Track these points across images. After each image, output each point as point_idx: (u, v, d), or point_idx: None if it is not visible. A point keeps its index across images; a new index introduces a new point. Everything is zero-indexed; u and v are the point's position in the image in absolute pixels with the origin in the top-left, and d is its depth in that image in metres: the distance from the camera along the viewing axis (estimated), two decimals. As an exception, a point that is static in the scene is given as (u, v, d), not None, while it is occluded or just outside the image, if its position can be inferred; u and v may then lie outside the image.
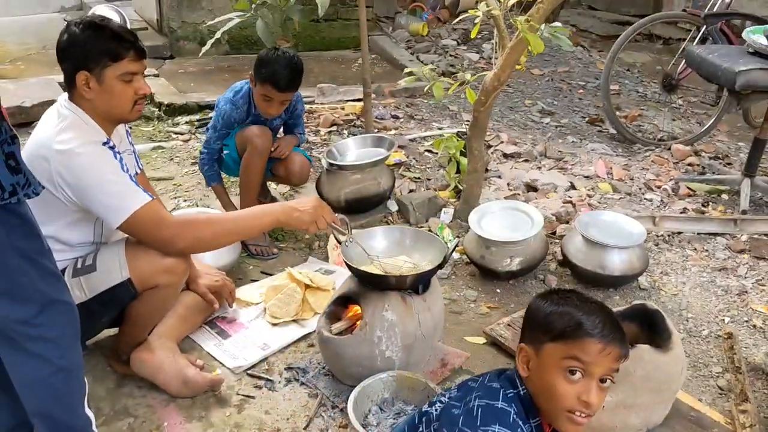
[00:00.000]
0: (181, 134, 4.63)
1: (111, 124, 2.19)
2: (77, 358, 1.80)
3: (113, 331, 2.47)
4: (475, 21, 2.99)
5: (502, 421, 1.45)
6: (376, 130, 4.48)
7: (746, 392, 2.41)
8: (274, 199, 3.63)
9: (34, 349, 1.66)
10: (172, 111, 4.91)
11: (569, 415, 1.47)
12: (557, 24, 2.94)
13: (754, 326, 2.87)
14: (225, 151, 3.29)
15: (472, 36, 3.19)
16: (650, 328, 2.29)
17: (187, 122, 4.82)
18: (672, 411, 2.26)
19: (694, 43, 4.60)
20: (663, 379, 2.15)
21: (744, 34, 3.82)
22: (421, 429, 1.64)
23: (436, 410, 1.63)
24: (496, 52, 3.14)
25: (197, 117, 4.86)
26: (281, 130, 3.45)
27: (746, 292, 3.09)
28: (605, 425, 2.14)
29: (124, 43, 2.05)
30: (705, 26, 4.59)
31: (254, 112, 3.19)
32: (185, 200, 3.69)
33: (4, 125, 1.53)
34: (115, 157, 2.13)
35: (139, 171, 2.49)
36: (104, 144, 2.12)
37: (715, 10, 4.86)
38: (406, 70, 3.17)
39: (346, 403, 2.19)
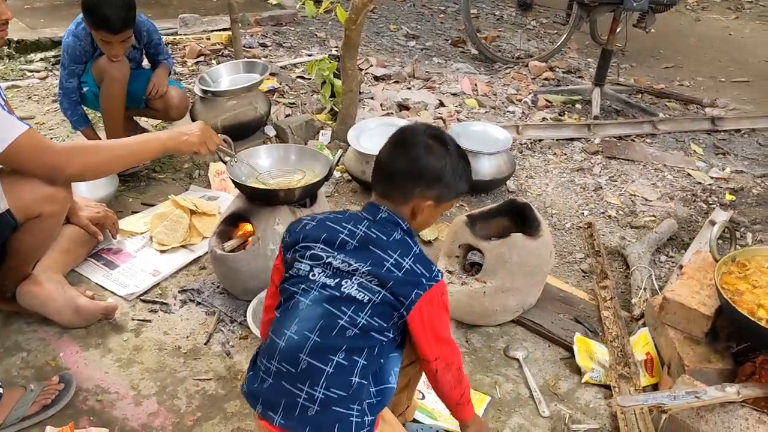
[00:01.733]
0: (37, 71, 4.34)
1: None
2: None
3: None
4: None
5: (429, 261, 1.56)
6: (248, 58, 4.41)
7: (606, 271, 2.70)
8: (145, 131, 3.53)
9: None
10: (24, 48, 4.57)
11: None
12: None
13: (609, 216, 3.19)
14: (84, 88, 3.13)
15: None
16: (521, 221, 2.51)
17: (42, 59, 4.52)
18: (543, 293, 2.51)
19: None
20: (535, 263, 2.37)
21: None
22: (344, 316, 1.47)
23: (352, 286, 1.48)
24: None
25: (53, 54, 4.56)
26: (145, 62, 3.32)
27: (601, 187, 3.42)
28: (487, 309, 2.35)
29: None
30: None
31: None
32: (51, 138, 3.51)
33: None
34: None
35: (3, 102, 2.36)
36: None
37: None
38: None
39: (246, 317, 2.27)
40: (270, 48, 4.95)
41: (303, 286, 1.52)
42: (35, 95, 4.04)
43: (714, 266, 2.14)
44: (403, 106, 4.08)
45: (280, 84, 4.23)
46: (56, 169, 2.03)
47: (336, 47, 4.86)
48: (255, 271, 2.37)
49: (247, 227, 2.51)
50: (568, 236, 3.04)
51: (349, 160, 3.24)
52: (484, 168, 3.17)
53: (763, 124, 4.24)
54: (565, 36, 5.14)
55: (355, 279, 1.48)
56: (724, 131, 4.13)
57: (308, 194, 2.48)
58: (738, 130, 4.16)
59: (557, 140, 3.82)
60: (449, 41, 5.42)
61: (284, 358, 1.47)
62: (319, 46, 5.07)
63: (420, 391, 2.04)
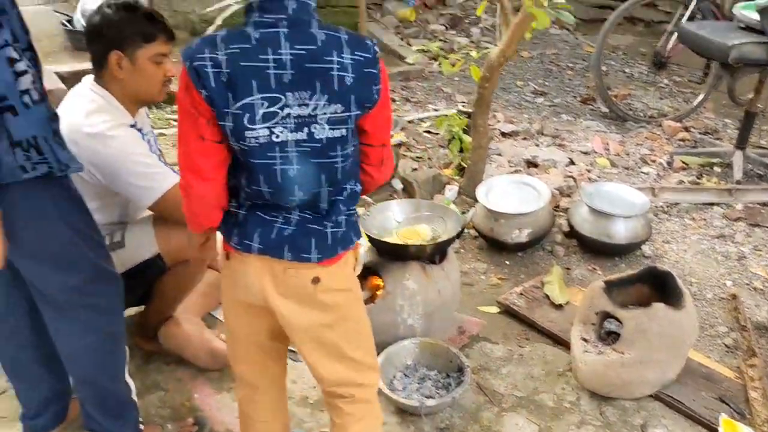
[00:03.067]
0: (181, 121, 4.62)
1: (136, 105, 2.21)
2: (121, 326, 1.86)
3: (135, 310, 2.50)
4: (479, -1, 3.05)
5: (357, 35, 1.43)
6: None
7: (753, 348, 2.51)
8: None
9: (83, 317, 1.70)
10: (171, 99, 4.89)
11: None
12: (560, 0, 3.00)
13: (755, 288, 2.98)
14: None
15: (478, 13, 3.24)
16: (661, 289, 2.39)
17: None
18: (684, 368, 2.35)
19: (683, 21, 4.69)
20: (677, 336, 2.24)
21: (734, 9, 3.92)
22: (338, 160, 1.43)
23: (324, 129, 1.39)
24: (498, 29, 3.20)
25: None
26: None
27: (745, 257, 3.20)
28: (624, 381, 2.23)
29: (157, 25, 2.08)
30: (695, 3, 4.68)
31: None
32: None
33: (46, 103, 1.56)
34: (143, 139, 2.16)
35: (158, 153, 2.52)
36: (132, 126, 2.15)
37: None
38: (414, 48, 3.21)
39: (373, 370, 2.26)
40: (398, 102, 5.05)
41: (276, 154, 1.38)
42: (180, 143, 4.29)
43: None
44: (531, 163, 4.03)
45: (408, 138, 4.30)
46: None
47: (463, 103, 4.89)
48: (382, 325, 2.37)
49: (377, 280, 2.52)
50: (710, 308, 2.85)
51: (477, 217, 3.21)
52: (620, 231, 3.05)
53: None
54: (702, 96, 4.93)
55: (320, 119, 1.37)
56: None
57: (439, 251, 2.47)
58: None
59: (695, 205, 3.63)
60: (578, 98, 5.34)
61: (304, 210, 1.48)
62: (445, 101, 5.13)
63: None
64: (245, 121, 1.34)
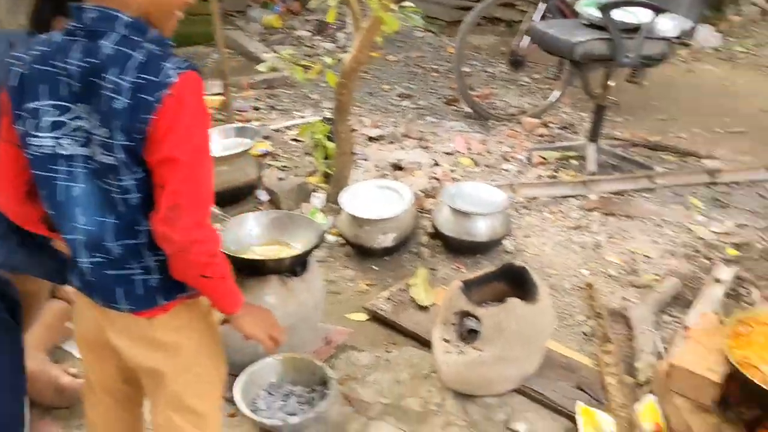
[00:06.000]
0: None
1: None
2: None
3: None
4: (329, 3, 3.01)
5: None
6: (237, 123, 4.41)
7: (608, 335, 2.61)
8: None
9: None
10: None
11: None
12: (408, 4, 3.02)
13: (610, 276, 3.11)
14: None
15: (329, 20, 3.21)
16: (519, 285, 2.43)
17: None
18: (544, 360, 2.41)
19: (534, 20, 4.87)
20: (534, 329, 2.29)
21: (577, 7, 4.10)
22: (115, 189, 1.28)
23: (101, 151, 1.24)
24: (351, 35, 3.18)
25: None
26: None
27: (600, 246, 3.34)
28: (485, 379, 2.25)
29: None
30: (544, 2, 4.86)
31: None
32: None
33: None
34: None
35: None
36: None
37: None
38: (264, 56, 3.14)
39: (232, 392, 2.17)
40: (263, 111, 4.95)
41: (59, 168, 1.27)
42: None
43: (720, 329, 2.06)
44: (397, 167, 4.04)
45: (273, 147, 4.21)
46: None
47: (329, 109, 4.86)
48: (242, 344, 2.26)
49: (236, 298, 2.42)
50: (568, 297, 2.95)
51: (342, 223, 3.18)
52: (480, 229, 3.11)
53: (762, 176, 4.19)
54: (557, 92, 5.14)
55: (97, 139, 1.23)
56: (723, 184, 4.08)
57: (299, 263, 2.41)
58: (737, 183, 4.11)
59: (554, 198, 3.77)
60: (443, 100, 5.43)
61: (93, 250, 1.32)
62: (312, 108, 5.08)
63: None
64: (30, 127, 1.26)
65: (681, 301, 2.90)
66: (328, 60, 3.15)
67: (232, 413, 2.21)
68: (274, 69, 3.19)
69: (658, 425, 2.13)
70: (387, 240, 3.07)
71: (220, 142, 3.62)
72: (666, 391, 2.13)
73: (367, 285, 2.99)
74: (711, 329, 2.20)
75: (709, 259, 3.24)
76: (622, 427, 2.11)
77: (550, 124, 4.95)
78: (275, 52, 6.16)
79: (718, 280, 2.84)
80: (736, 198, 3.93)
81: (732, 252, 3.30)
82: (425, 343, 2.55)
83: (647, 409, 2.18)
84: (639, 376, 2.40)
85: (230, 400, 2.23)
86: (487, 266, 3.08)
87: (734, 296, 2.90)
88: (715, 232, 3.49)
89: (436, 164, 4.11)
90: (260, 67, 3.22)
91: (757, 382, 1.83)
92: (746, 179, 4.13)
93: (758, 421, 2.00)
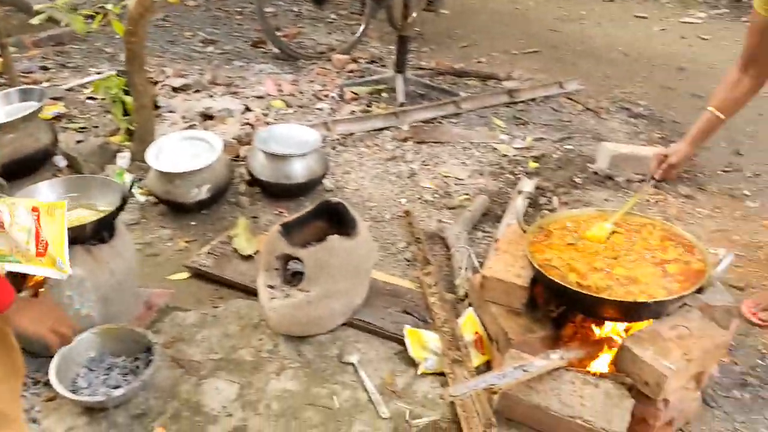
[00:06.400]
0: None
1: None
2: None
3: None
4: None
5: None
6: (23, 86, 3.99)
7: (427, 257, 2.72)
8: None
9: None
10: None
11: None
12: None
13: (426, 201, 3.23)
14: None
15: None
16: (338, 221, 2.45)
17: None
18: (371, 290, 2.46)
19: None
20: (356, 263, 2.32)
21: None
22: None
23: None
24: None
25: None
26: None
27: (415, 174, 3.45)
28: (314, 318, 2.27)
29: None
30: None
31: None
32: None
33: None
34: None
35: None
36: None
37: None
38: (37, 7, 2.83)
39: (49, 375, 2.02)
40: (53, 70, 4.53)
41: None
42: None
43: (524, 237, 2.21)
44: (207, 116, 3.88)
45: (68, 108, 3.88)
46: None
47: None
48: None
49: (37, 277, 2.23)
50: (390, 227, 3.03)
51: (152, 181, 3.01)
52: (297, 170, 3.08)
53: (555, 90, 4.51)
54: (362, 27, 5.16)
55: None
56: (521, 102, 4.34)
57: (103, 228, 2.25)
58: (533, 100, 4.39)
59: (368, 132, 3.81)
60: (249, 43, 5.26)
61: None
62: (108, 62, 4.72)
63: None
64: None
65: (491, 216, 3.08)
66: (112, 7, 2.90)
67: (50, 397, 2.06)
68: (52, 20, 2.88)
69: (477, 334, 2.26)
70: (202, 193, 2.96)
71: (2, 108, 3.27)
72: (481, 302, 2.27)
73: (186, 242, 2.88)
74: (516, 239, 2.34)
75: (513, 174, 3.46)
76: (446, 341, 2.22)
77: (360, 60, 4.98)
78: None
79: (521, 192, 3.03)
80: (533, 114, 4.21)
81: (533, 165, 3.54)
82: (253, 293, 2.51)
83: (467, 321, 2.31)
84: (458, 292, 2.53)
85: (47, 384, 2.09)
86: (310, 207, 3.08)
87: (537, 205, 3.13)
88: (517, 148, 3.72)
89: (248, 109, 4.00)
90: (34, 20, 2.90)
91: (559, 282, 1.99)
92: (541, 95, 4.43)
93: (564, 316, 2.20)
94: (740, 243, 2.98)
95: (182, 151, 3.06)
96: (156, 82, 4.27)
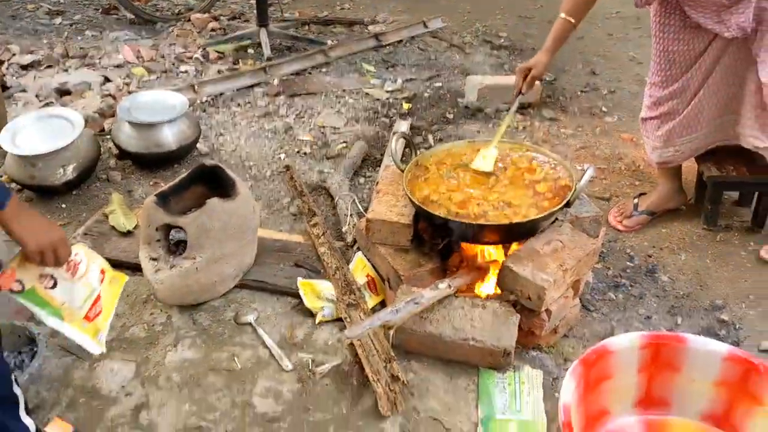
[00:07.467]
0: None
1: None
2: None
3: None
4: None
5: None
6: None
7: (312, 209, 2.73)
8: None
9: None
10: None
11: None
12: None
13: (305, 154, 3.21)
14: None
15: None
16: (217, 184, 2.40)
17: None
18: (259, 249, 2.45)
19: None
20: (240, 223, 2.30)
21: None
22: None
23: None
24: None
25: None
26: None
27: (291, 128, 3.42)
28: (205, 284, 2.24)
29: None
30: None
31: None
32: None
33: None
34: None
35: None
36: None
37: None
38: None
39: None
40: None
41: None
42: None
43: (402, 177, 2.26)
44: (63, 92, 3.66)
45: None
46: None
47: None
48: None
49: None
50: (272, 184, 3.01)
51: (11, 168, 2.83)
52: (167, 137, 2.99)
53: (419, 30, 4.56)
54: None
55: None
56: (389, 45, 4.36)
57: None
58: (400, 41, 4.42)
59: (238, 90, 3.73)
60: (99, 10, 4.97)
61: None
62: (-58, 45, 4.33)
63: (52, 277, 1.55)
64: None
65: (371, 161, 3.12)
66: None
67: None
68: None
69: (369, 276, 2.32)
70: (68, 173, 2.82)
71: None
72: (369, 245, 2.31)
73: (59, 226, 2.74)
74: (396, 179, 2.39)
75: (388, 117, 3.50)
76: (340, 287, 2.26)
77: (221, 17, 4.83)
78: None
79: (396, 134, 3.08)
80: (401, 56, 4.25)
81: (406, 106, 3.59)
82: (138, 269, 2.44)
83: (358, 265, 2.36)
84: (347, 239, 2.56)
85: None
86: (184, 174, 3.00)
87: (413, 145, 3.19)
88: (389, 91, 3.75)
89: (107, 80, 3.80)
90: None
91: (440, 215, 2.06)
92: (407, 36, 4.47)
93: (449, 247, 2.28)
94: (602, 157, 3.18)
95: (40, 131, 2.88)
96: (1, 62, 3.97)
